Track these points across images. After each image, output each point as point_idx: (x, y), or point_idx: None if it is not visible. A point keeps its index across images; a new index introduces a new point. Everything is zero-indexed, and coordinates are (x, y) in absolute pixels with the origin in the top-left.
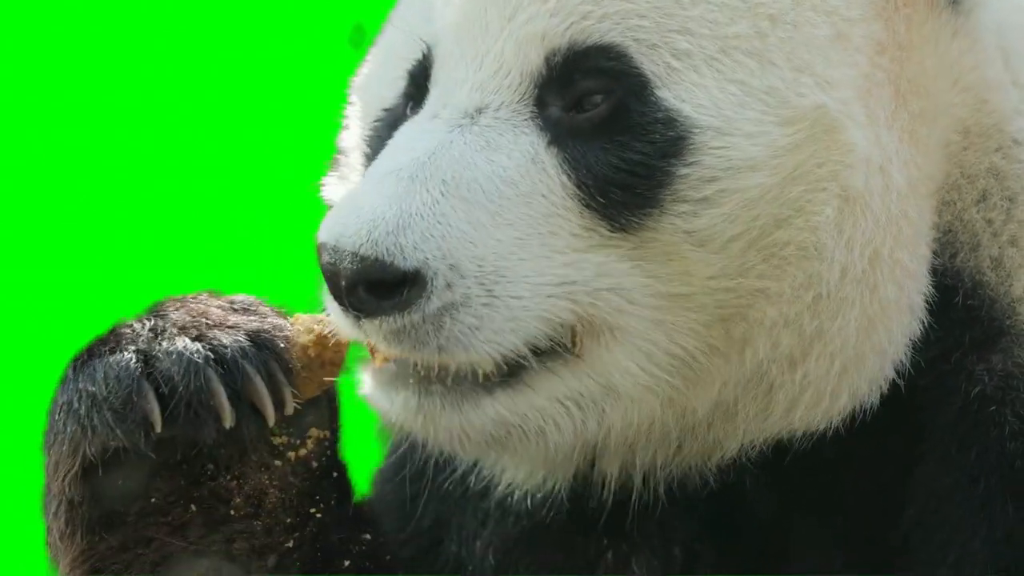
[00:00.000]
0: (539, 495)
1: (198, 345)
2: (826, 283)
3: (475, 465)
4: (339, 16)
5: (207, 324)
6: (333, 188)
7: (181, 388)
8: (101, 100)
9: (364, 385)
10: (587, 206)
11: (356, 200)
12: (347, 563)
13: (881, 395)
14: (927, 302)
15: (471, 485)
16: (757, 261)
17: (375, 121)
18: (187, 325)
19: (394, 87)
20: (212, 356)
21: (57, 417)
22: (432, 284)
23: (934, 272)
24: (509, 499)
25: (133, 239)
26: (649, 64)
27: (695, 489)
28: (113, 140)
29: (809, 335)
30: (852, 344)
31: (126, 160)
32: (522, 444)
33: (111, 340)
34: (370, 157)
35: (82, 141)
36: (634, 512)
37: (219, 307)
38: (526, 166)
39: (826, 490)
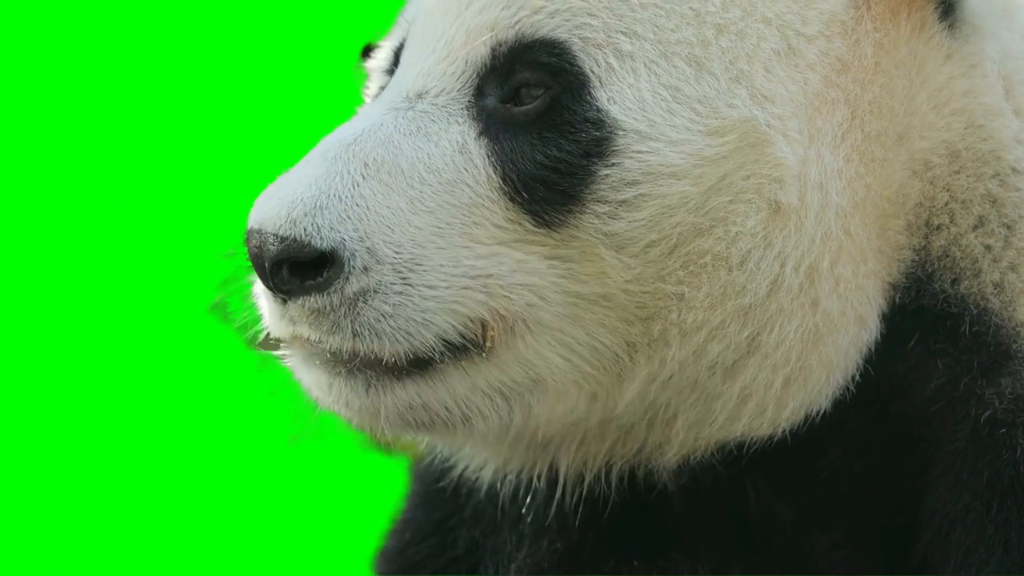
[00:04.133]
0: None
1: None
2: (751, 294)
3: (502, 485)
4: (345, 24)
5: None
6: None
7: None
8: (99, 100)
9: (288, 360)
10: (512, 199)
11: (281, 183)
12: None
13: (891, 424)
14: (935, 330)
15: (505, 508)
16: (676, 267)
17: (374, 98)
18: None
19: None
20: None
21: None
22: (350, 265)
23: (936, 299)
24: (543, 519)
25: (131, 237)
26: (590, 63)
27: (715, 513)
28: (112, 139)
29: (740, 345)
30: (796, 356)
31: (124, 159)
32: (449, 430)
33: None
34: None
35: (81, 141)
36: (666, 534)
37: None
38: (452, 155)
39: (843, 517)
